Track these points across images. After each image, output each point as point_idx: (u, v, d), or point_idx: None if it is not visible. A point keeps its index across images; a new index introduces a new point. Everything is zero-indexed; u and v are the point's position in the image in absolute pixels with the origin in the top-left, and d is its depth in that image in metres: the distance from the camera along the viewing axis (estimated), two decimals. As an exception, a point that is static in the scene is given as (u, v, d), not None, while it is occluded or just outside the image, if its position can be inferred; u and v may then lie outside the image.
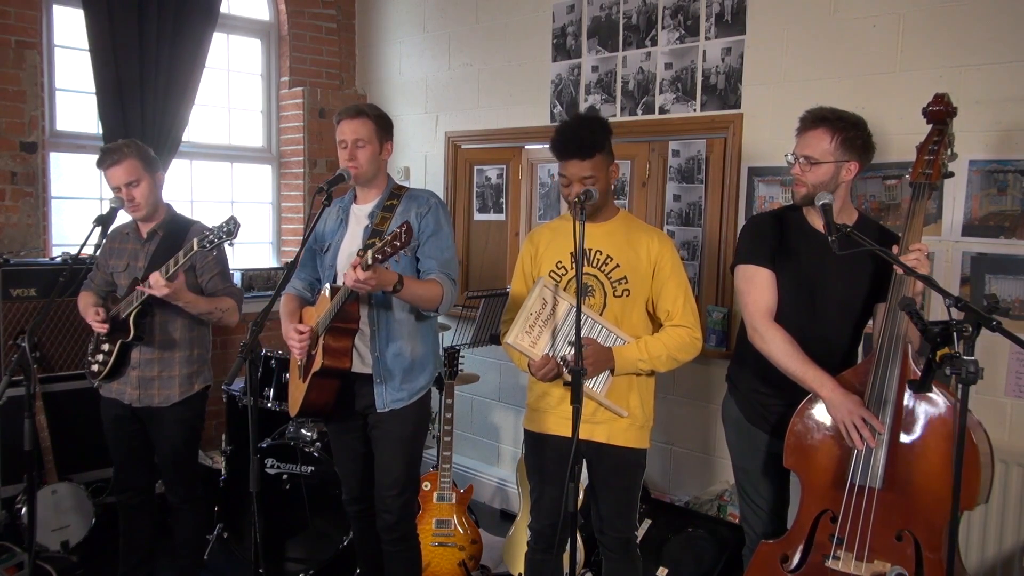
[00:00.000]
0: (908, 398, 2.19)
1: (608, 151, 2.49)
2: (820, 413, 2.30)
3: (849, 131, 2.32)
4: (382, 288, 2.42)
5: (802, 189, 2.37)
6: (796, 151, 2.38)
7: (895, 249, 2.24)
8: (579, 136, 2.46)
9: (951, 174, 2.35)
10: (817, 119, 2.35)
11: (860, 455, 2.20)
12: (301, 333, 2.60)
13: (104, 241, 2.98)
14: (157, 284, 2.70)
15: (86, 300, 3.09)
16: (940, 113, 2.29)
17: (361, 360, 2.66)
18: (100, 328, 2.93)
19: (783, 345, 2.35)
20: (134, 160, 2.90)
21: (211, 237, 2.65)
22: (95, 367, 3.03)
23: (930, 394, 2.15)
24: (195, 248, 2.69)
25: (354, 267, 2.30)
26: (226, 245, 2.73)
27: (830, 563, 2.23)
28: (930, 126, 2.33)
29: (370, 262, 2.27)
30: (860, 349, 2.56)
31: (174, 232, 3.00)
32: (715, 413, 3.61)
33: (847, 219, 2.38)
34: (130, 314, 2.87)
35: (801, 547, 2.30)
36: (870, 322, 2.48)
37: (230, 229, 2.66)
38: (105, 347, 3.00)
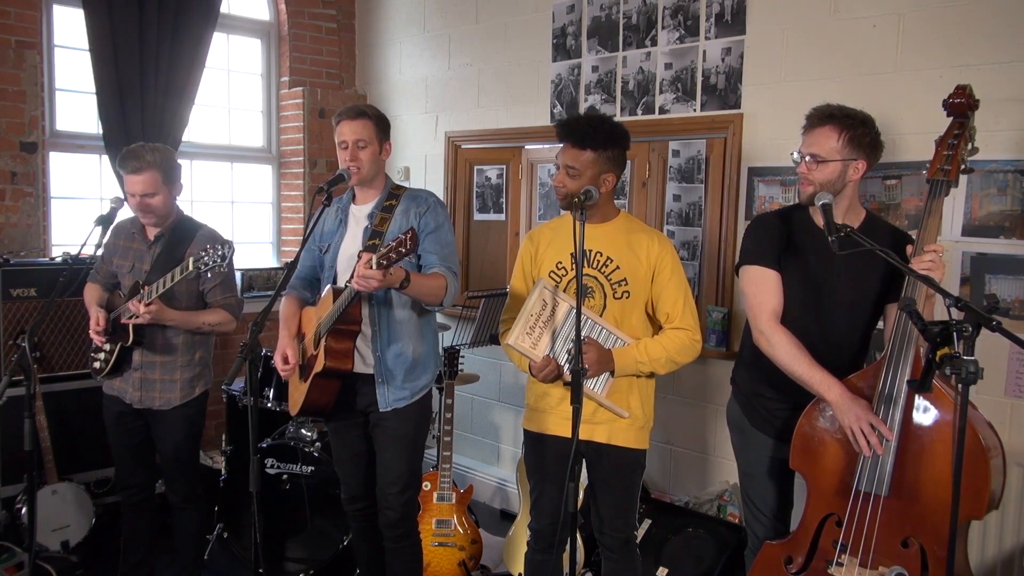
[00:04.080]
0: (917, 403, 2.14)
1: (606, 157, 2.47)
2: (828, 415, 2.27)
3: (857, 129, 2.27)
4: (389, 285, 2.41)
5: (808, 188, 2.31)
6: (802, 149, 2.33)
7: (909, 250, 2.21)
8: (579, 125, 2.49)
9: (971, 170, 2.27)
10: (824, 116, 2.30)
11: (867, 461, 2.16)
12: (287, 364, 2.65)
13: (108, 236, 2.99)
14: (137, 311, 2.76)
15: (92, 294, 3.11)
16: (962, 106, 2.21)
17: (363, 360, 2.66)
18: (98, 340, 2.95)
19: (789, 348, 2.31)
20: (155, 172, 2.89)
21: (206, 259, 2.68)
22: (97, 364, 3.05)
23: (939, 399, 2.10)
24: (190, 268, 2.72)
25: (366, 264, 2.29)
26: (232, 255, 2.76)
27: (833, 570, 2.20)
28: (950, 119, 2.24)
29: (374, 267, 2.28)
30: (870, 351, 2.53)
31: (180, 237, 3.00)
32: (715, 413, 3.61)
33: (854, 218, 2.34)
34: (130, 319, 2.87)
35: (805, 550, 2.28)
36: (880, 322, 2.46)
37: (224, 254, 2.69)
38: (107, 346, 3.01)
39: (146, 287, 2.84)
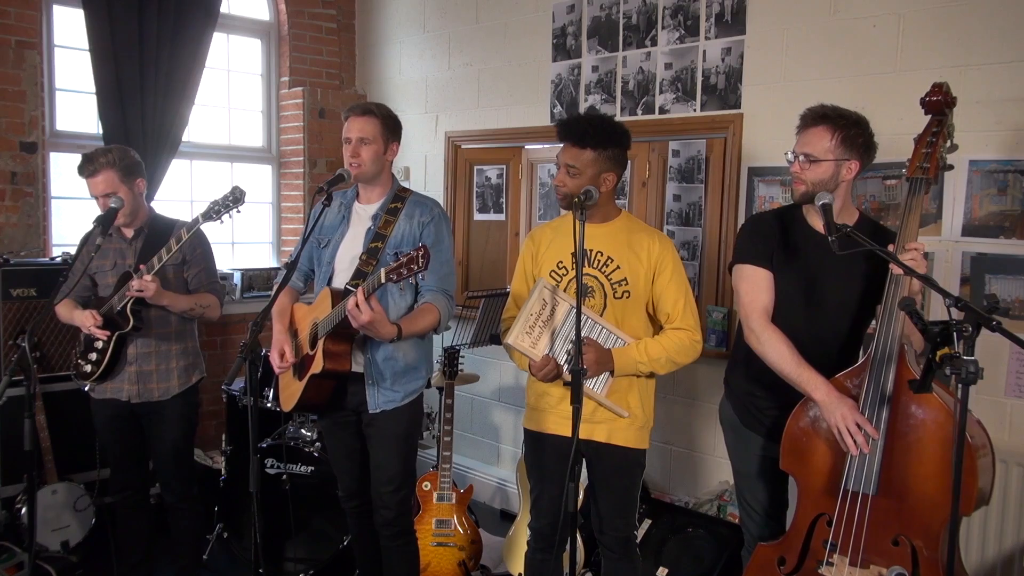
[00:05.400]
0: (904, 401, 2.14)
1: (606, 157, 2.47)
2: (816, 416, 2.27)
3: (850, 129, 2.29)
4: (380, 338, 2.49)
5: (801, 187, 2.34)
6: (796, 148, 2.35)
7: (890, 248, 2.22)
8: (579, 125, 2.49)
9: (950, 167, 2.29)
10: (818, 116, 2.32)
11: (855, 460, 2.16)
12: (284, 361, 2.67)
13: (79, 248, 2.94)
14: (143, 285, 2.75)
15: (69, 308, 3.05)
16: (938, 103, 2.23)
17: (354, 359, 2.66)
18: (100, 334, 2.91)
19: (779, 346, 2.32)
20: (110, 172, 2.90)
21: (217, 207, 2.68)
22: (88, 367, 3.01)
23: (926, 397, 2.10)
24: (201, 221, 2.73)
25: (355, 303, 2.36)
26: (217, 234, 2.74)
27: (823, 569, 2.20)
28: (928, 117, 2.27)
29: (383, 280, 2.31)
30: (862, 351, 2.54)
31: (160, 228, 3.03)
32: (715, 413, 3.58)
33: (847, 219, 2.34)
34: (125, 305, 2.87)
35: (798, 550, 2.28)
36: (872, 323, 2.46)
37: (236, 197, 2.69)
38: (99, 344, 2.97)
39: (142, 266, 2.84)
